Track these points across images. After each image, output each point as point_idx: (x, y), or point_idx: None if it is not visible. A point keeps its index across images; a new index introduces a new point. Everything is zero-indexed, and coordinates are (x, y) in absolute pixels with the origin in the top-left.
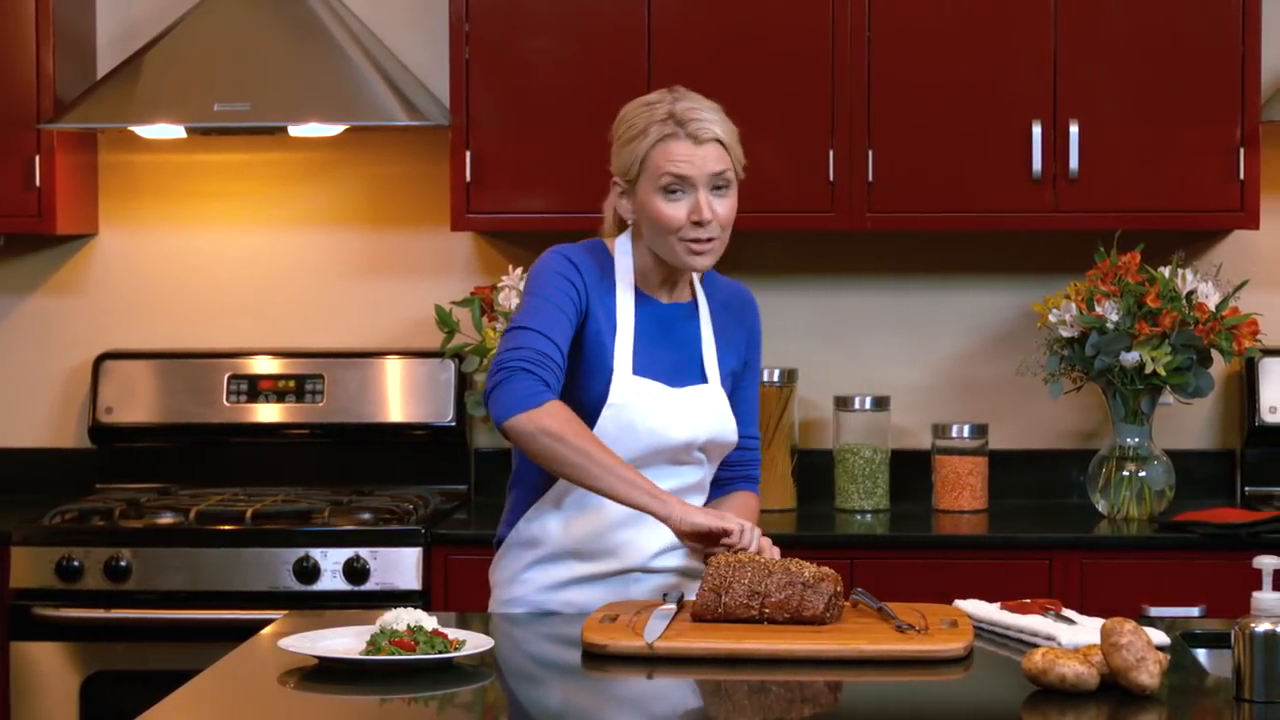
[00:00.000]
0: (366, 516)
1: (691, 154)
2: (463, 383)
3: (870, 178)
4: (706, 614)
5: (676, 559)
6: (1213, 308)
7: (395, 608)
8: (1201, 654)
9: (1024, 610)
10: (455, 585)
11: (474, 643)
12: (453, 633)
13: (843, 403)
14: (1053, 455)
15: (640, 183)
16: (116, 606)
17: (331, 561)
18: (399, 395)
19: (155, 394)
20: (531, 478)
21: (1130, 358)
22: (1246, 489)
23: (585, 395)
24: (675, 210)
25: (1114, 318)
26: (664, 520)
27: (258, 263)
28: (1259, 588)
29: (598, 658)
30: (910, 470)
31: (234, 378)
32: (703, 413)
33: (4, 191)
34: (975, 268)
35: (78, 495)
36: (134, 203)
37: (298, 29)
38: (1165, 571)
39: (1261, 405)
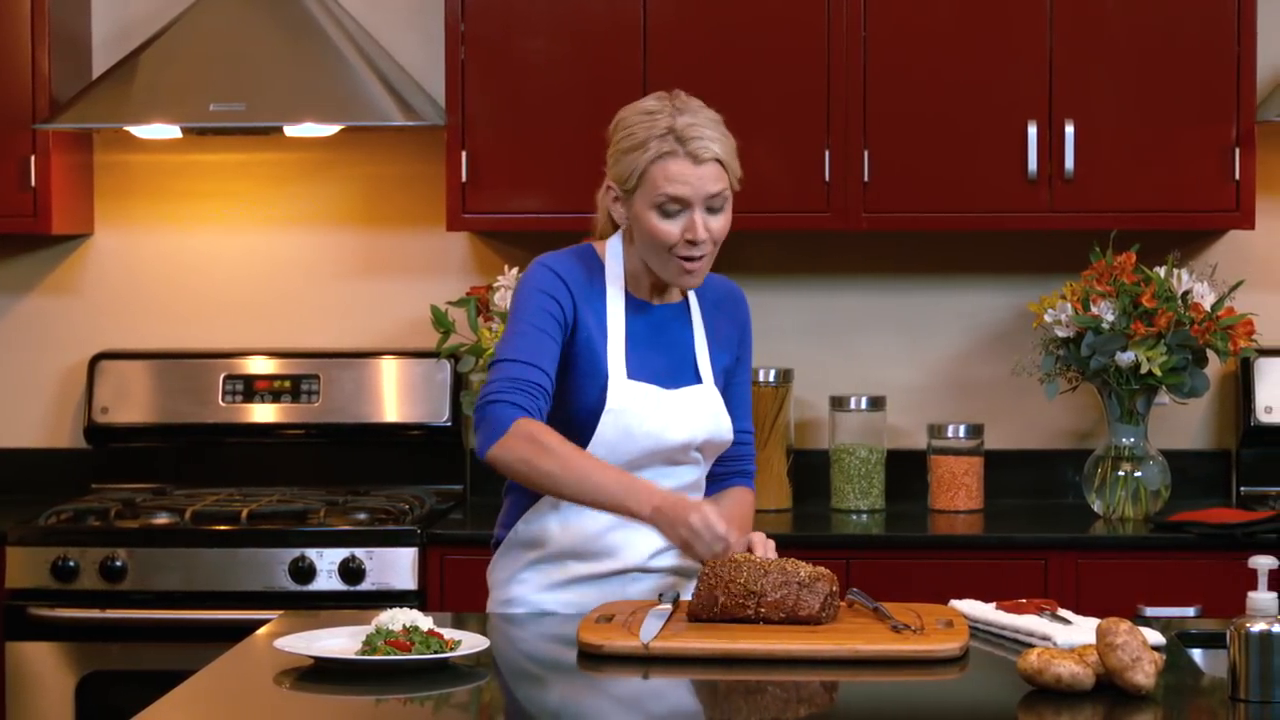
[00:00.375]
0: (362, 516)
1: (690, 174)
2: (458, 383)
3: (866, 178)
4: (702, 614)
5: (673, 558)
6: (1208, 308)
7: (391, 608)
8: (1197, 654)
9: (1019, 610)
10: (451, 585)
11: (469, 643)
12: (448, 633)
13: (838, 403)
14: (1048, 455)
15: (636, 196)
16: (112, 607)
17: (327, 561)
18: (395, 395)
19: (151, 394)
20: None
21: (1126, 358)
22: (1242, 489)
23: (581, 402)
24: (670, 227)
25: (1109, 318)
26: (642, 521)
27: (253, 263)
28: (1254, 588)
29: (593, 658)
30: (906, 470)
31: (229, 378)
32: (699, 413)
33: None
34: (971, 268)
35: (73, 495)
36: (129, 203)
37: (293, 29)
38: (1161, 571)
39: (1257, 405)
